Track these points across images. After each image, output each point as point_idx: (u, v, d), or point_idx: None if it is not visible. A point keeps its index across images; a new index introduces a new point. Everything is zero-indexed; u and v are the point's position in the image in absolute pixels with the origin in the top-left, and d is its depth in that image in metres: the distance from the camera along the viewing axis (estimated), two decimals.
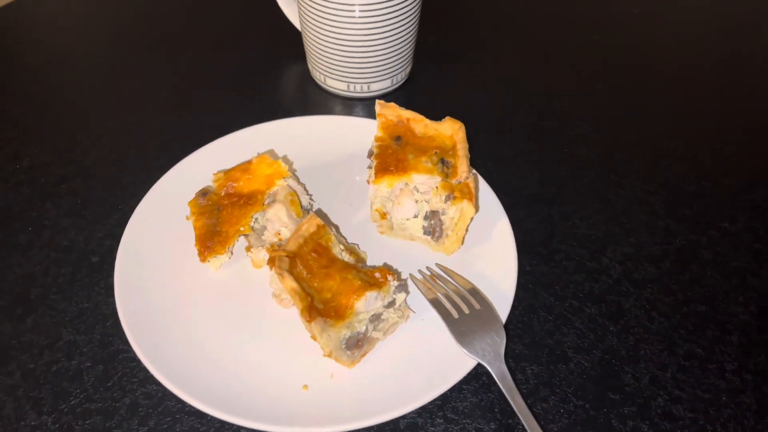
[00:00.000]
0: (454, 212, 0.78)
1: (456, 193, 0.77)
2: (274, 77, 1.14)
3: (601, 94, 1.12)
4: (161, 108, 1.07)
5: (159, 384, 0.69)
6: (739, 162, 0.99)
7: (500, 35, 1.27)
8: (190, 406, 0.68)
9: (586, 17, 1.32)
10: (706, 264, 0.84)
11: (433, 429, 0.68)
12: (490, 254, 0.80)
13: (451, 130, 0.83)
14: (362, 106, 1.08)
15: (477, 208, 0.80)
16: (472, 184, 0.78)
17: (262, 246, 0.79)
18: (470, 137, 0.83)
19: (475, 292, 0.74)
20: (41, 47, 1.21)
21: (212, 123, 1.02)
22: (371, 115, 1.05)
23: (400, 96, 1.09)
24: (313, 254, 0.71)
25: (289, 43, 1.18)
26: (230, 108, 1.07)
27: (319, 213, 0.85)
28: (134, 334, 0.69)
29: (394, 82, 1.07)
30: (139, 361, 0.71)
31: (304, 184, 0.85)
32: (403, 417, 0.68)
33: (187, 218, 0.79)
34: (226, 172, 0.81)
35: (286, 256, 0.69)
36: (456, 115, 0.84)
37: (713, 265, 0.84)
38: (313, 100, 1.09)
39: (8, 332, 0.75)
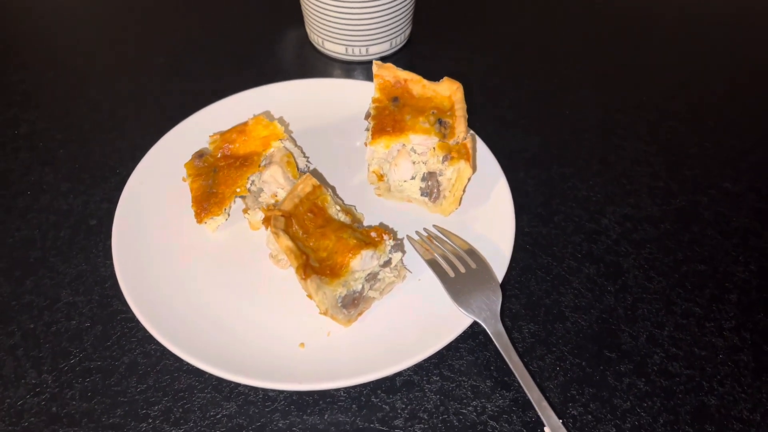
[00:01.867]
0: (451, 173, 0.77)
1: (453, 153, 0.76)
2: (273, 41, 1.13)
3: (603, 57, 1.10)
4: (159, 73, 1.06)
5: (157, 343, 0.70)
6: (742, 123, 0.98)
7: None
8: (187, 364, 0.68)
9: None
10: (707, 224, 0.83)
11: (429, 386, 0.68)
12: (487, 215, 0.79)
13: (449, 91, 0.82)
14: (361, 70, 1.07)
15: (474, 169, 0.80)
16: (469, 145, 0.77)
17: (259, 207, 0.78)
18: (470, 100, 0.82)
19: (471, 252, 0.74)
20: (38, 14, 1.20)
21: (210, 87, 1.01)
22: (370, 78, 1.03)
23: (399, 59, 1.08)
24: (308, 214, 0.71)
25: (287, 6, 1.16)
26: (228, 72, 1.06)
27: (315, 173, 0.85)
28: (132, 295, 0.70)
29: (393, 44, 1.06)
30: (137, 322, 0.71)
31: (301, 147, 0.84)
32: (400, 374, 0.69)
33: (184, 180, 0.79)
34: (222, 134, 0.80)
35: (282, 216, 0.68)
36: (456, 78, 0.83)
37: (714, 225, 0.83)
38: (312, 64, 1.08)
39: (8, 293, 0.76)
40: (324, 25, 1.01)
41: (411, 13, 1.05)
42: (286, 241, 0.66)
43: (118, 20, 1.18)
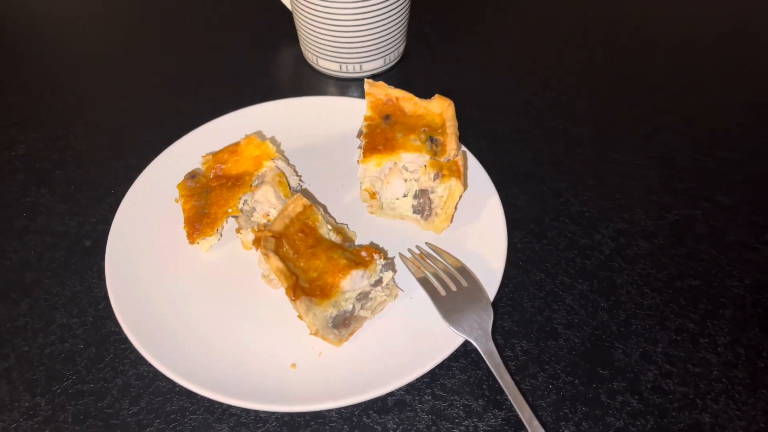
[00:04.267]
0: (442, 190, 0.77)
1: (444, 171, 0.76)
2: (267, 59, 1.14)
3: (596, 70, 1.10)
4: (154, 93, 1.07)
5: (150, 365, 0.70)
6: (736, 135, 0.97)
7: (494, 13, 1.25)
8: (180, 386, 0.68)
9: None
10: (701, 238, 0.83)
11: (421, 406, 0.68)
12: (479, 232, 0.79)
13: (440, 108, 0.83)
14: (355, 87, 1.07)
15: (465, 186, 0.80)
16: (461, 162, 0.77)
17: (252, 228, 0.79)
18: (463, 115, 0.82)
19: (463, 270, 0.74)
20: (34, 35, 1.21)
21: (205, 106, 1.02)
22: (364, 95, 1.04)
23: (393, 75, 1.08)
24: (299, 234, 0.71)
25: (281, 24, 1.17)
26: (223, 91, 1.06)
27: (306, 193, 0.85)
28: (124, 317, 0.70)
29: (387, 61, 1.06)
30: (130, 343, 0.71)
31: (293, 166, 0.85)
32: (392, 394, 0.69)
33: (176, 201, 0.79)
34: (215, 154, 0.81)
35: (272, 236, 0.69)
36: (449, 94, 0.84)
37: (708, 239, 0.83)
38: (306, 81, 1.09)
39: (3, 316, 0.76)
40: (318, 43, 1.02)
41: (404, 29, 1.05)
42: (276, 262, 0.66)
43: (113, 41, 1.19)
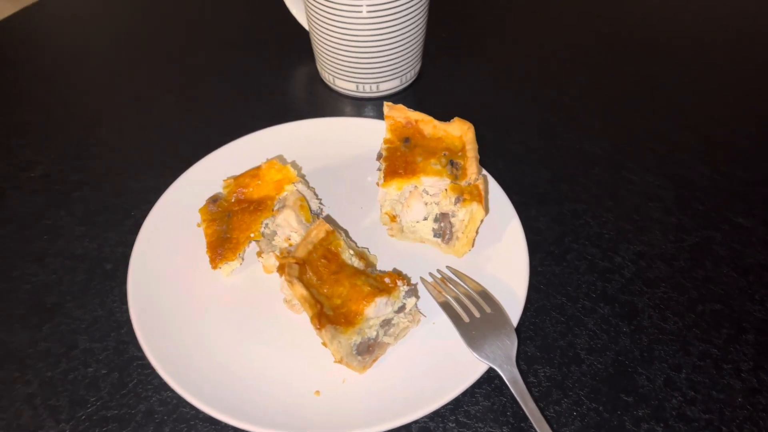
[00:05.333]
0: (463, 214, 0.77)
1: (465, 195, 0.76)
2: (283, 78, 1.14)
3: (611, 89, 1.11)
4: (171, 112, 1.07)
5: (174, 391, 0.70)
6: (753, 154, 0.97)
7: (507, 31, 1.25)
8: (204, 412, 0.68)
9: (594, 11, 1.30)
10: (721, 261, 0.83)
11: None
12: (501, 256, 0.79)
13: (460, 131, 0.83)
14: (372, 106, 1.07)
15: (487, 210, 0.80)
16: (481, 186, 0.77)
17: (273, 251, 0.79)
18: (479, 135, 0.82)
19: (485, 295, 0.74)
20: (50, 55, 1.22)
21: (222, 126, 1.03)
22: (381, 115, 1.04)
23: (409, 95, 1.09)
24: (322, 260, 0.71)
25: (298, 43, 1.18)
26: (239, 110, 1.07)
27: (328, 219, 0.85)
28: (148, 342, 0.70)
29: (403, 81, 1.07)
30: (153, 368, 0.72)
31: (313, 189, 0.85)
32: (416, 421, 0.68)
33: (198, 225, 0.79)
34: (236, 178, 0.81)
35: (296, 263, 0.69)
36: (465, 113, 0.84)
37: (728, 262, 0.83)
38: (323, 100, 1.09)
39: (25, 341, 0.76)
40: (335, 63, 1.02)
41: (420, 49, 1.06)
42: (301, 290, 0.66)
43: (129, 60, 1.20)
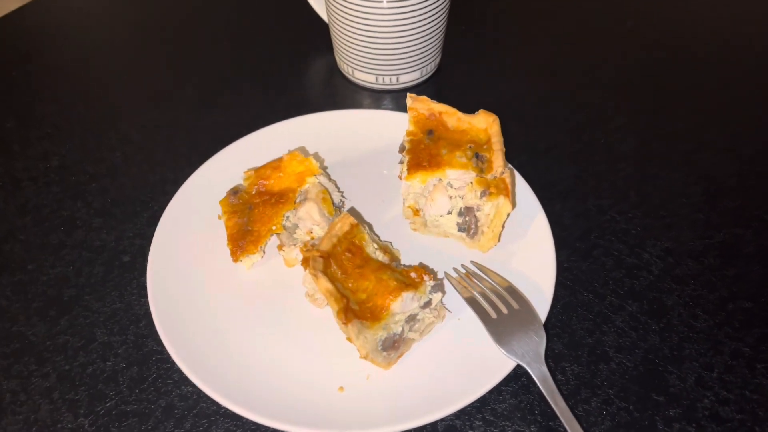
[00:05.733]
0: (489, 208, 0.76)
1: (492, 188, 0.75)
2: (302, 70, 1.12)
3: (637, 84, 1.09)
4: (188, 104, 1.06)
5: (194, 386, 0.69)
6: None
7: (531, 24, 1.23)
8: (225, 408, 0.67)
9: (620, 3, 1.28)
10: (751, 259, 0.81)
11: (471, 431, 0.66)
12: (526, 251, 0.78)
13: (485, 123, 0.81)
14: (390, 98, 1.06)
15: (514, 204, 0.78)
16: (508, 179, 0.76)
17: (294, 244, 0.77)
18: (501, 130, 0.81)
19: (512, 290, 0.73)
20: (67, 46, 1.20)
21: (240, 118, 1.01)
22: (400, 107, 1.03)
23: (429, 87, 1.07)
24: (347, 254, 0.70)
25: (316, 35, 1.16)
26: (257, 102, 1.05)
27: (352, 211, 0.84)
28: (168, 337, 0.69)
29: (424, 73, 1.05)
30: (173, 363, 0.70)
31: (335, 181, 0.83)
32: (441, 419, 0.67)
33: (219, 217, 0.78)
34: (257, 170, 0.79)
35: (320, 256, 0.67)
36: (486, 107, 0.82)
37: (758, 260, 0.81)
38: (341, 92, 1.08)
39: (43, 333, 0.75)
40: (355, 54, 1.01)
41: (441, 41, 1.04)
42: (326, 284, 0.65)
43: (146, 52, 1.18)
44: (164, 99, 1.07)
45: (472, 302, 0.72)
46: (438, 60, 1.07)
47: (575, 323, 0.75)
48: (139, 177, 0.93)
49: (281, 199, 0.76)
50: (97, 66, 1.15)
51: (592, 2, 1.29)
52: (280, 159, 0.79)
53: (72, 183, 0.93)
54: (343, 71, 1.08)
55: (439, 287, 0.69)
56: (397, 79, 1.03)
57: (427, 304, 0.68)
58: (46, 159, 0.96)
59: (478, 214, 0.77)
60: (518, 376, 0.70)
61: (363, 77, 1.04)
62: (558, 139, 0.98)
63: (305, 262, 0.67)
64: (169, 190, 0.86)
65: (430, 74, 1.07)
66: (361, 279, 0.68)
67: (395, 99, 1.06)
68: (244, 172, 0.80)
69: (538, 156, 0.95)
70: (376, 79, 1.03)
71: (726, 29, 1.21)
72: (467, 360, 0.68)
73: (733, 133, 0.98)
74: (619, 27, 1.21)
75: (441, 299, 0.70)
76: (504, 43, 1.18)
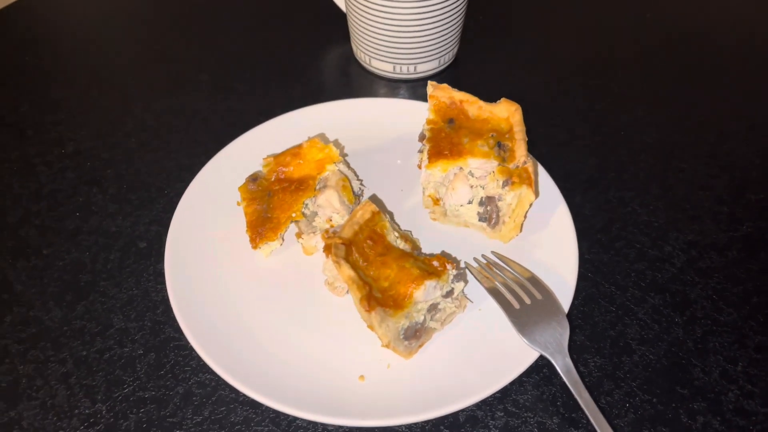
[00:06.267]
0: (512, 198, 0.75)
1: (515, 178, 0.74)
2: (318, 59, 1.11)
3: (659, 74, 1.07)
4: (204, 91, 1.05)
5: (212, 373, 0.68)
6: None
7: (550, 13, 1.22)
8: (244, 395, 0.66)
9: None
10: None
11: (494, 422, 0.65)
12: (548, 242, 0.77)
13: (507, 112, 0.80)
14: (407, 88, 1.05)
15: (537, 194, 0.77)
16: (531, 169, 0.75)
17: (314, 232, 0.77)
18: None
19: (535, 281, 0.72)
20: (83, 33, 1.19)
21: (255, 106, 1.00)
22: (417, 96, 1.02)
23: (446, 77, 1.06)
24: (368, 242, 0.69)
25: (332, 24, 1.15)
26: (273, 90, 1.04)
27: (374, 199, 0.83)
28: (187, 323, 0.68)
29: (441, 62, 1.04)
30: (191, 350, 0.70)
31: (354, 169, 0.82)
32: (463, 409, 0.66)
33: (238, 204, 0.77)
34: (276, 156, 0.79)
35: (342, 244, 0.67)
36: (505, 97, 0.81)
37: None
38: (357, 81, 1.07)
39: (59, 319, 0.74)
40: (372, 43, 0.99)
41: (460, 30, 1.03)
42: (348, 271, 0.64)
43: (161, 38, 1.17)
44: (180, 85, 1.06)
45: (494, 292, 0.71)
46: (456, 50, 1.06)
47: (597, 315, 0.74)
48: (154, 163, 0.92)
49: (301, 186, 0.75)
50: (112, 51, 1.14)
51: None
52: (299, 146, 0.78)
53: (87, 169, 0.92)
54: (360, 60, 1.07)
55: (461, 276, 0.68)
56: (415, 68, 1.02)
57: (449, 293, 0.68)
58: (61, 144, 0.96)
59: (499, 203, 0.76)
60: (540, 367, 0.69)
61: (380, 66, 1.03)
62: (578, 131, 0.97)
63: (327, 249, 0.67)
64: (185, 177, 0.86)
65: (448, 64, 1.06)
66: (382, 267, 0.67)
67: (412, 88, 1.04)
68: (264, 159, 0.79)
69: (558, 147, 0.94)
70: (394, 68, 1.02)
71: (748, 18, 1.19)
72: (489, 350, 0.67)
73: (757, 124, 0.97)
74: (638, 18, 1.20)
75: (463, 288, 0.69)
76: (522, 33, 1.17)
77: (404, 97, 1.02)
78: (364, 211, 0.70)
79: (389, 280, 0.66)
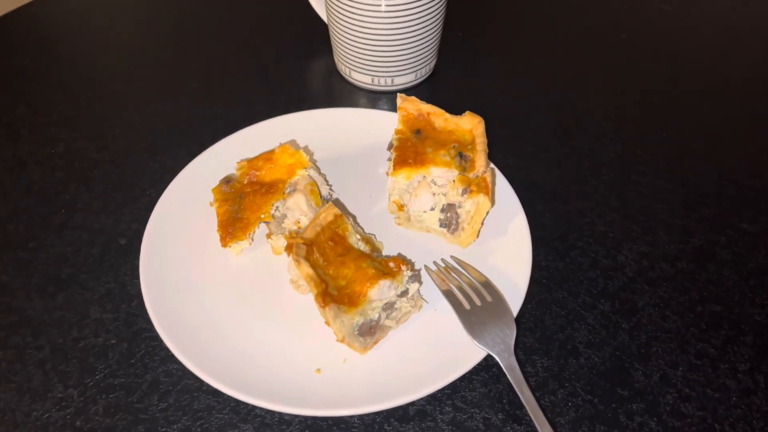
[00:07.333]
0: (470, 205, 0.79)
1: (473, 186, 0.78)
2: (301, 69, 1.16)
3: (625, 92, 1.12)
4: (192, 97, 1.10)
5: (179, 363, 0.72)
6: (762, 162, 0.98)
7: (525, 31, 1.27)
8: (207, 385, 0.70)
9: (613, 14, 1.31)
10: (724, 264, 0.84)
11: (441, 417, 0.69)
12: (505, 248, 0.81)
13: (470, 125, 0.85)
14: (386, 100, 1.09)
15: (493, 202, 0.81)
16: (489, 179, 0.79)
17: (282, 233, 0.81)
18: (492, 132, 0.84)
19: (487, 284, 0.76)
20: (75, 38, 1.25)
21: (240, 113, 1.05)
22: (395, 108, 1.06)
23: (423, 90, 1.10)
24: (329, 242, 0.73)
25: (316, 36, 1.20)
26: (257, 99, 1.09)
27: (337, 203, 0.87)
28: (157, 315, 0.72)
29: (418, 76, 1.08)
30: (160, 340, 0.74)
31: (324, 175, 0.87)
32: (413, 404, 0.70)
33: (211, 204, 0.81)
34: (249, 160, 0.83)
35: (303, 244, 0.71)
36: (478, 110, 0.85)
37: (731, 266, 0.84)
38: (338, 92, 1.11)
39: (40, 308, 0.79)
40: (352, 55, 1.04)
41: (437, 45, 1.07)
42: (307, 269, 0.68)
43: (154, 45, 1.23)
44: (167, 92, 1.11)
45: (448, 294, 0.75)
46: (433, 63, 1.11)
47: (548, 319, 0.78)
48: (139, 165, 0.97)
49: (271, 189, 0.80)
50: (104, 58, 1.19)
51: (585, 13, 1.32)
52: (272, 151, 0.83)
53: (76, 168, 0.97)
54: (340, 72, 1.12)
55: (416, 278, 0.72)
56: (393, 80, 1.07)
57: (404, 293, 0.72)
58: (52, 144, 1.01)
59: (459, 210, 0.80)
60: (489, 366, 0.73)
61: (359, 78, 1.08)
62: (545, 144, 1.01)
63: (289, 248, 0.71)
64: (168, 179, 0.90)
65: (425, 77, 1.11)
66: (341, 266, 0.71)
67: (391, 100, 1.09)
68: (237, 163, 0.84)
69: (525, 159, 0.98)
70: (372, 80, 1.07)
71: (712, 43, 1.24)
72: (441, 348, 0.71)
73: (716, 143, 1.01)
74: (613, 38, 1.24)
75: (418, 289, 0.73)
76: (499, 48, 1.22)
77: (384, 109, 1.06)
78: (327, 214, 0.74)
79: (346, 279, 0.70)
